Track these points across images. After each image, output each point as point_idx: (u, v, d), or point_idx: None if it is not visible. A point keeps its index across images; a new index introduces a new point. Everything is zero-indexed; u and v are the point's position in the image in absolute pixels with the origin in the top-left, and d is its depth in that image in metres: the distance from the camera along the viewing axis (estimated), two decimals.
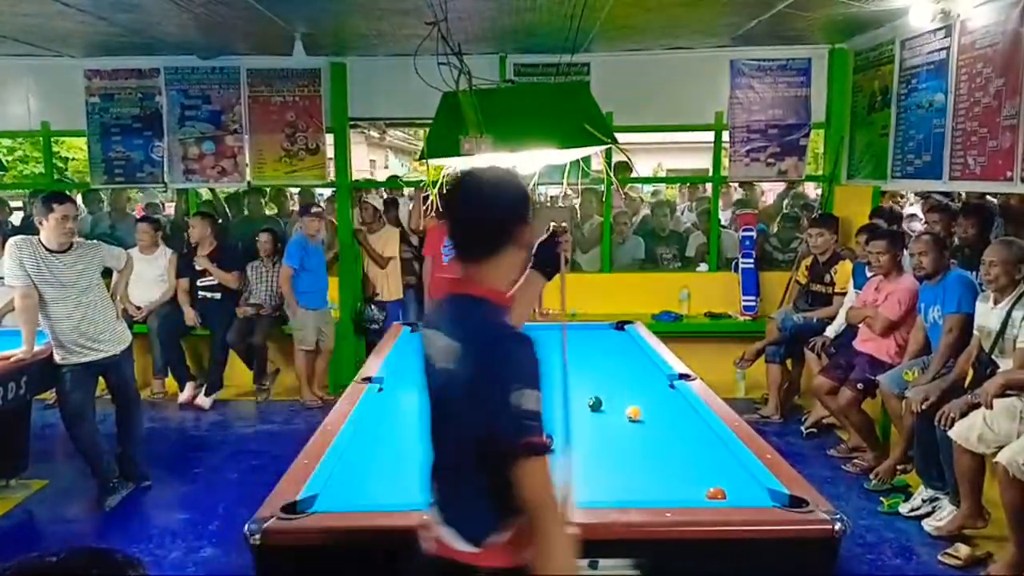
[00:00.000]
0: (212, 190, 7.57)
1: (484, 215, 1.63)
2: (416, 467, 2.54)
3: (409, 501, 2.17)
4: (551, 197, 9.46)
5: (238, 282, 6.22)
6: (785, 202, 7.49)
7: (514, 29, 5.23)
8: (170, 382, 6.20)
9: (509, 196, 1.65)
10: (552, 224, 2.09)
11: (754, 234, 6.38)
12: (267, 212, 7.60)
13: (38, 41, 5.56)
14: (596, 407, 3.00)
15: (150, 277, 6.06)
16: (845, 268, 5.26)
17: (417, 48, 3.54)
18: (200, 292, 6.19)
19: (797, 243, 6.39)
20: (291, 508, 2.09)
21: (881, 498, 4.12)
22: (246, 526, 2.00)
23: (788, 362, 5.62)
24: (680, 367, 3.59)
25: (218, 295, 6.18)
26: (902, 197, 7.94)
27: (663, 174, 13.37)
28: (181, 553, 3.64)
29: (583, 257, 6.72)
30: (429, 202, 5.31)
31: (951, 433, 3.54)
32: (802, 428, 5.26)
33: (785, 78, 6.14)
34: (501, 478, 1.49)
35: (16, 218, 7.75)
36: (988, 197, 5.62)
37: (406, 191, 6.92)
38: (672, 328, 5.92)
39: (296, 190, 8.08)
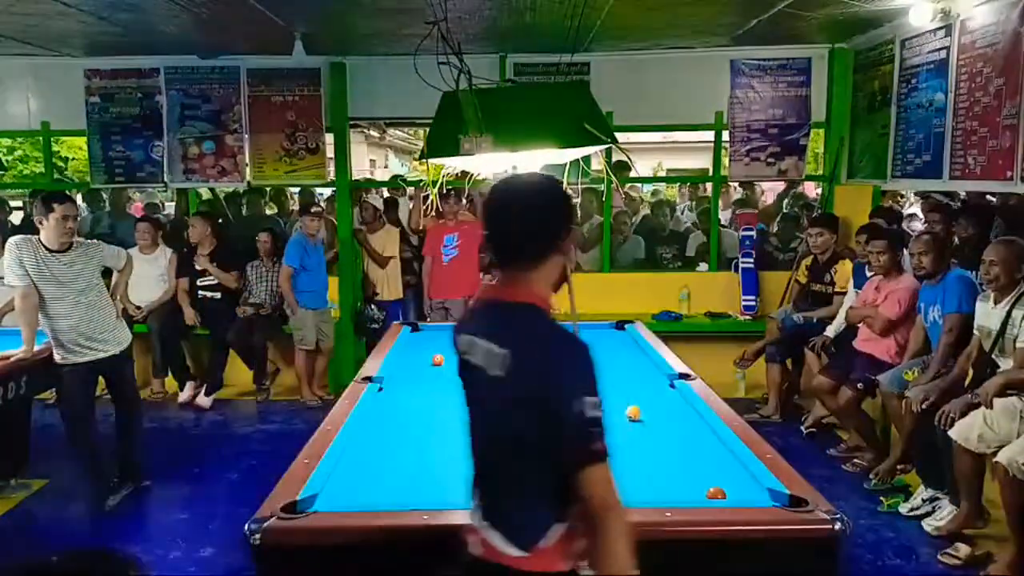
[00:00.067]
0: (212, 190, 7.58)
1: (531, 222, 1.62)
2: (416, 467, 2.56)
3: (409, 501, 2.18)
4: None
5: (238, 282, 6.22)
6: (785, 202, 7.49)
7: (514, 29, 5.23)
8: (170, 382, 6.20)
9: (555, 203, 1.65)
10: None
11: (754, 234, 6.38)
12: (267, 212, 7.60)
13: (38, 41, 5.56)
14: None
15: (150, 277, 6.06)
16: (845, 268, 5.25)
17: (417, 48, 3.54)
18: (200, 292, 6.19)
19: (797, 243, 6.39)
20: (291, 508, 2.09)
21: (881, 498, 4.12)
22: (246, 526, 2.00)
23: (788, 362, 5.62)
24: (680, 367, 3.59)
25: (218, 295, 6.18)
26: (902, 197, 7.95)
27: (663, 174, 13.36)
28: (181, 553, 3.64)
29: (583, 257, 6.72)
30: (429, 202, 5.32)
31: (951, 433, 3.53)
32: (802, 428, 5.26)
33: (785, 78, 6.14)
34: (553, 483, 1.52)
35: (16, 218, 7.76)
36: (988, 197, 5.63)
37: (408, 191, 6.92)
38: (672, 328, 5.92)
39: (296, 190, 8.09)
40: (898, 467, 4.32)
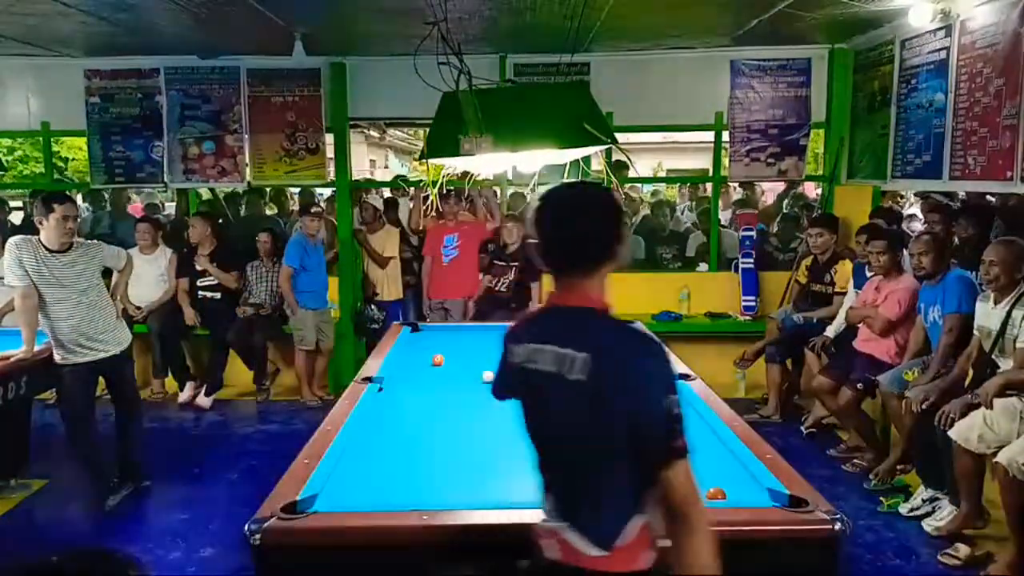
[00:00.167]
0: (212, 190, 7.57)
1: (594, 229, 1.65)
2: (416, 467, 2.56)
3: (409, 501, 2.18)
4: None
5: (237, 282, 6.22)
6: (785, 202, 7.49)
7: (514, 29, 5.23)
8: (170, 382, 6.20)
9: (614, 210, 1.69)
10: None
11: (754, 234, 6.38)
12: (267, 212, 7.60)
13: (38, 41, 5.56)
14: None
15: (150, 277, 6.06)
16: (845, 268, 5.26)
17: (417, 48, 3.54)
18: (200, 292, 6.19)
19: (797, 243, 6.39)
20: (291, 508, 2.09)
21: (881, 498, 4.12)
22: (246, 526, 2.00)
23: (788, 362, 5.62)
24: (680, 367, 3.59)
25: (218, 295, 6.18)
26: (902, 197, 7.95)
27: (663, 174, 13.37)
28: (181, 553, 3.65)
29: None
30: (429, 202, 5.32)
31: (951, 433, 3.53)
32: (802, 428, 5.26)
33: (785, 78, 6.14)
34: (631, 481, 1.56)
35: (16, 218, 7.76)
36: (988, 197, 5.62)
37: (410, 191, 6.92)
38: (672, 328, 5.92)
39: (296, 190, 8.09)
40: (898, 467, 4.33)
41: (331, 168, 6.61)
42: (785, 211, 7.19)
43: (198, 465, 4.83)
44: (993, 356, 3.70)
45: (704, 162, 12.11)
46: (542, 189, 1.78)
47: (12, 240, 3.99)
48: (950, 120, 4.54)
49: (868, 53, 5.68)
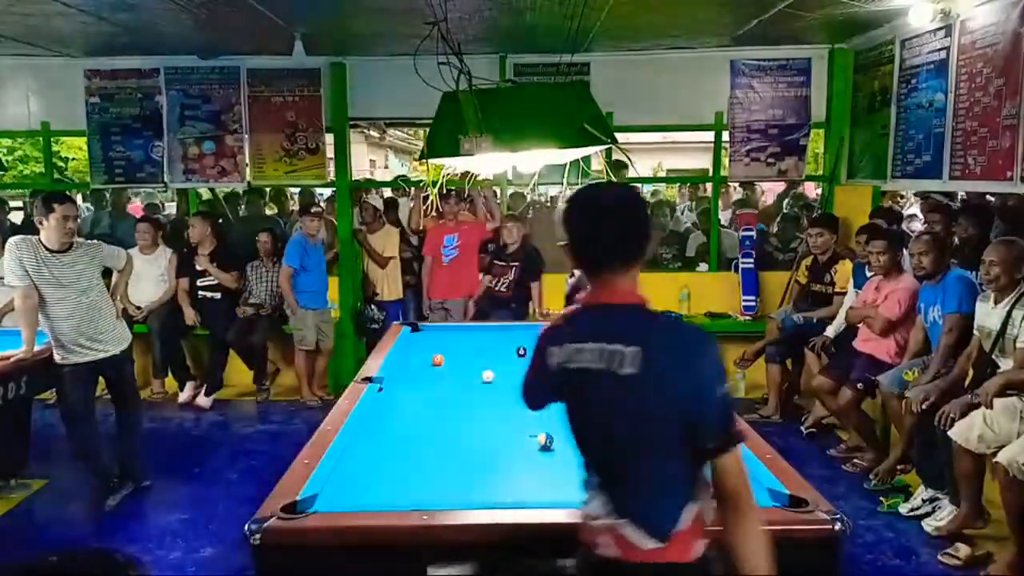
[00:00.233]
0: (212, 190, 7.57)
1: (632, 227, 1.70)
2: (416, 467, 2.56)
3: (409, 501, 2.18)
4: (551, 197, 9.48)
5: (237, 282, 6.22)
6: (785, 202, 7.50)
7: (514, 29, 5.23)
8: (170, 382, 6.21)
9: (645, 209, 1.76)
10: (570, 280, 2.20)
11: (754, 234, 6.38)
12: (267, 212, 7.60)
13: (38, 41, 5.56)
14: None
15: (150, 277, 6.06)
16: (845, 268, 5.26)
17: (417, 48, 3.54)
18: (200, 292, 6.19)
19: (797, 243, 6.39)
20: (291, 508, 2.09)
21: (881, 498, 4.12)
22: (246, 526, 2.00)
23: (788, 362, 5.62)
24: None
25: (218, 295, 6.18)
26: (902, 197, 7.95)
27: (663, 174, 13.37)
28: (181, 553, 3.65)
29: None
30: (429, 202, 5.32)
31: (951, 433, 3.54)
32: (802, 428, 5.26)
33: (785, 78, 6.14)
34: (684, 471, 1.61)
35: (16, 218, 7.76)
36: (988, 197, 5.63)
37: (411, 191, 6.92)
38: None
39: (296, 190, 8.09)
40: (898, 467, 4.33)
41: (331, 168, 6.62)
42: (785, 211, 7.20)
43: (198, 465, 4.83)
44: (993, 356, 3.70)
45: (704, 162, 12.11)
46: (567, 191, 1.82)
47: (12, 240, 3.99)
48: (950, 120, 4.54)
49: (868, 53, 5.68)
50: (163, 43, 5.66)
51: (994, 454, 3.36)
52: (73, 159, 11.47)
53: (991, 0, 4.11)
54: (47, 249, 3.94)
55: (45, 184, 6.75)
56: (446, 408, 3.20)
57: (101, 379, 4.25)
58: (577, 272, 2.27)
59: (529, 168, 3.58)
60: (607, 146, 3.32)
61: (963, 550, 3.49)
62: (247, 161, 6.32)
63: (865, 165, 5.80)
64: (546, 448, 2.64)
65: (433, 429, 2.92)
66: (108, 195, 7.28)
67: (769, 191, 8.76)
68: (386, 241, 6.34)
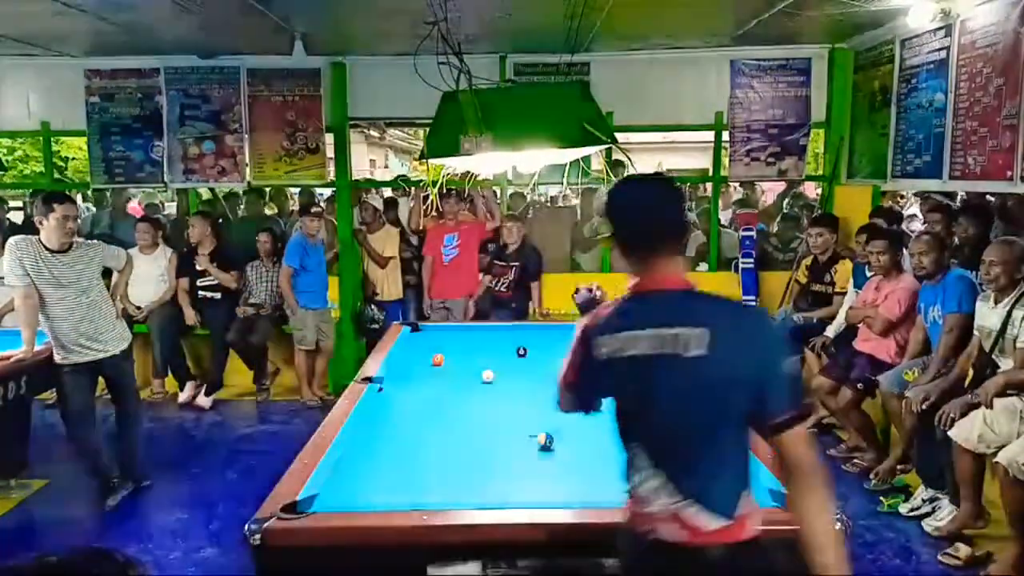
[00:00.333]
0: (212, 190, 7.57)
1: (677, 213, 1.79)
2: (416, 467, 2.55)
3: (409, 501, 2.18)
4: (551, 197, 9.48)
5: (237, 282, 6.21)
6: (785, 202, 7.49)
7: (514, 29, 5.23)
8: (170, 382, 6.20)
9: (684, 197, 1.85)
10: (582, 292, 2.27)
11: (754, 234, 6.38)
12: (267, 212, 7.60)
13: (38, 41, 5.56)
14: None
15: (150, 277, 6.05)
16: (845, 268, 5.25)
17: (417, 48, 3.54)
18: (200, 292, 6.19)
19: (797, 243, 6.39)
20: (291, 508, 2.09)
21: (881, 498, 4.12)
22: (246, 526, 2.00)
23: None
24: None
25: (218, 295, 6.18)
26: (903, 197, 7.95)
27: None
28: (181, 553, 3.64)
29: (583, 257, 6.72)
30: (429, 202, 5.32)
31: (951, 433, 3.53)
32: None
33: (785, 78, 6.14)
34: (745, 450, 1.68)
35: (16, 217, 7.76)
36: (988, 197, 5.62)
37: (411, 191, 6.93)
38: None
39: (296, 190, 8.09)
40: (898, 467, 4.32)
41: (331, 168, 6.61)
42: (785, 211, 7.19)
43: (198, 465, 4.83)
44: (993, 356, 3.69)
45: (704, 162, 12.11)
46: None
47: (12, 240, 3.99)
48: (950, 120, 4.54)
49: (868, 53, 5.68)
50: (163, 43, 5.66)
51: (994, 454, 3.36)
52: (73, 159, 11.47)
53: (991, 0, 4.10)
54: (47, 249, 3.93)
55: (45, 184, 6.75)
56: (446, 408, 3.20)
57: (101, 379, 4.25)
58: (583, 286, 2.27)
59: (529, 168, 3.59)
60: (607, 146, 3.33)
61: (963, 550, 3.49)
62: (247, 161, 6.32)
63: (865, 165, 5.80)
64: (546, 448, 2.64)
65: (433, 429, 2.92)
66: (109, 195, 7.28)
67: (769, 191, 8.75)
68: (386, 241, 6.34)
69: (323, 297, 6.13)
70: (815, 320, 5.33)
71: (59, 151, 10.78)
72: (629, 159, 5.13)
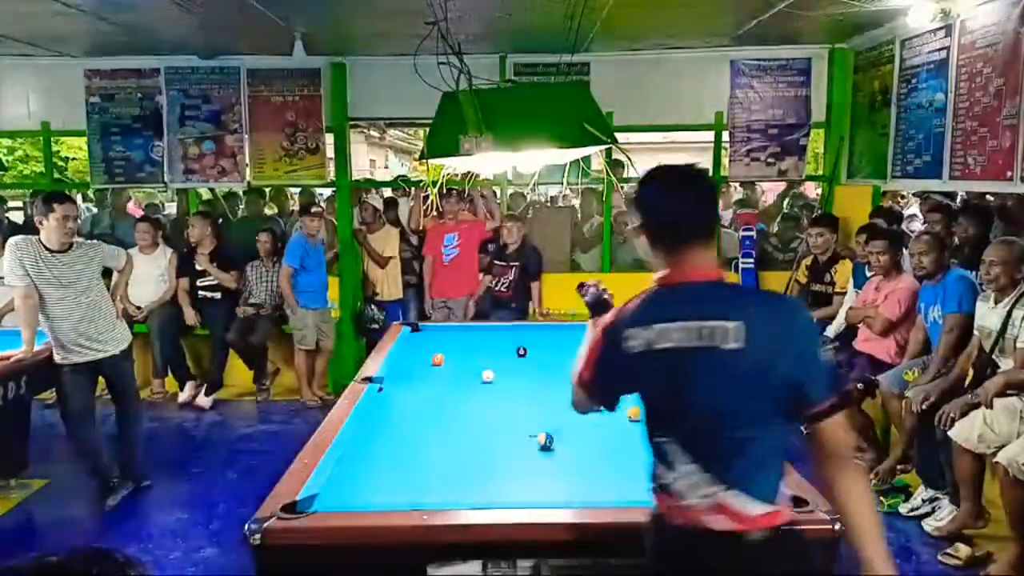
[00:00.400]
0: (212, 190, 7.57)
1: (711, 204, 1.80)
2: (416, 467, 2.55)
3: (409, 501, 2.18)
4: (551, 197, 9.48)
5: (236, 282, 6.21)
6: (785, 202, 7.49)
7: (514, 29, 5.23)
8: (170, 382, 6.20)
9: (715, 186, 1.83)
10: (591, 290, 2.27)
11: (754, 234, 6.38)
12: (267, 212, 7.60)
13: (38, 41, 5.56)
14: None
15: (150, 277, 6.05)
16: (845, 268, 5.25)
17: (417, 48, 3.54)
18: (200, 292, 6.19)
19: (797, 243, 6.39)
20: (291, 508, 2.09)
21: (881, 498, 4.11)
22: (246, 526, 2.00)
23: None
24: None
25: (218, 295, 6.18)
26: (903, 197, 7.95)
27: None
28: (181, 553, 3.64)
29: (583, 257, 6.72)
30: (429, 202, 5.32)
31: (951, 433, 3.53)
32: (802, 428, 5.25)
33: (785, 78, 6.14)
34: (783, 438, 1.72)
35: (16, 217, 7.75)
36: (988, 197, 5.63)
37: (411, 191, 6.93)
38: None
39: (296, 190, 8.09)
40: (898, 467, 4.32)
41: (331, 168, 6.61)
42: (785, 211, 7.19)
43: (198, 465, 4.83)
44: (993, 356, 3.69)
45: (704, 162, 12.09)
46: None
47: (12, 240, 3.99)
48: (950, 120, 4.54)
49: (868, 53, 5.68)
50: (163, 43, 5.66)
51: (994, 454, 3.36)
52: (73, 159, 11.46)
53: (991, 0, 4.10)
54: (47, 249, 3.93)
55: (45, 184, 6.75)
56: (446, 408, 3.19)
57: (101, 379, 4.25)
58: (590, 282, 2.26)
59: (529, 168, 3.59)
60: (607, 146, 3.32)
61: (963, 550, 3.48)
62: (247, 161, 6.32)
63: (865, 165, 5.80)
64: (546, 448, 2.63)
65: (433, 429, 2.91)
66: (108, 195, 7.27)
67: (769, 191, 8.75)
68: (386, 241, 6.34)
69: (323, 297, 6.13)
70: (815, 320, 5.32)
71: (59, 151, 10.78)
72: (629, 159, 5.13)
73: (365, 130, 13.56)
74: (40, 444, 4.68)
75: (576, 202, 7.96)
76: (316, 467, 2.40)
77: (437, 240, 6.11)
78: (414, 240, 6.48)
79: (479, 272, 6.15)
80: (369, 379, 3.46)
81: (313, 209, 6.34)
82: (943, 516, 3.73)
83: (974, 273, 4.10)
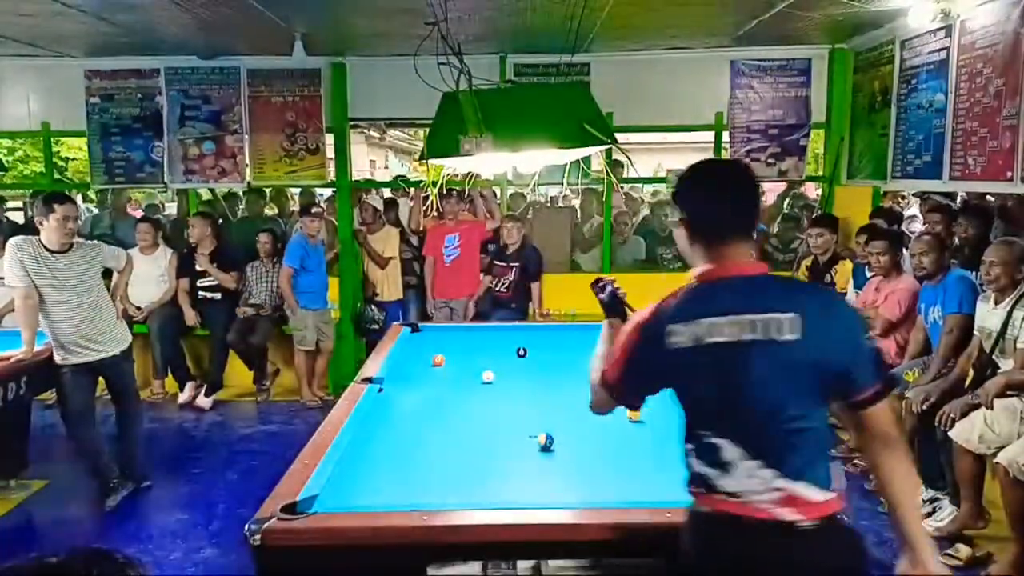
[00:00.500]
0: (212, 190, 7.57)
1: (755, 198, 1.82)
2: (416, 468, 2.55)
3: (409, 501, 2.18)
4: (551, 197, 9.48)
5: (236, 282, 6.21)
6: (785, 202, 7.49)
7: (514, 29, 5.23)
8: (170, 382, 6.20)
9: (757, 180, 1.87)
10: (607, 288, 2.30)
11: (754, 234, 6.37)
12: (267, 212, 7.60)
13: (38, 41, 5.56)
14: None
15: (150, 277, 6.05)
16: (845, 268, 5.25)
17: (417, 48, 3.54)
18: (200, 292, 6.19)
19: (797, 243, 6.39)
20: (291, 508, 2.09)
21: (882, 498, 4.11)
22: (246, 526, 2.00)
23: None
24: None
25: (218, 295, 6.18)
26: (903, 198, 7.95)
27: (663, 174, 13.34)
28: (181, 553, 3.64)
29: (583, 257, 6.72)
30: (429, 202, 5.32)
31: (951, 433, 3.53)
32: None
33: (785, 78, 6.14)
34: (827, 422, 1.74)
35: (16, 217, 7.75)
36: (988, 197, 5.63)
37: (410, 191, 6.93)
38: None
39: (296, 190, 8.09)
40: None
41: (331, 168, 6.61)
42: (785, 211, 7.19)
43: (198, 465, 4.82)
44: (994, 357, 3.69)
45: None
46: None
47: (12, 240, 3.99)
48: (950, 120, 4.54)
49: (868, 53, 5.68)
50: (163, 43, 5.65)
51: (994, 455, 3.36)
52: (73, 159, 11.46)
53: (991, 0, 4.10)
54: (47, 249, 3.93)
55: (45, 184, 6.75)
56: (446, 408, 3.19)
57: (101, 379, 4.25)
58: (605, 279, 2.25)
59: (529, 168, 3.59)
60: (607, 146, 3.32)
61: (963, 551, 3.48)
62: (247, 161, 6.32)
63: (865, 165, 5.80)
64: (546, 448, 2.63)
65: (433, 429, 2.91)
66: (109, 196, 7.28)
67: (769, 191, 8.72)
68: (386, 241, 6.33)
69: (323, 298, 6.13)
70: None
71: (59, 151, 10.77)
72: (629, 159, 5.14)
73: (365, 130, 13.56)
74: (40, 445, 4.68)
75: (576, 202, 7.96)
76: (316, 468, 2.40)
77: (438, 241, 6.10)
78: (414, 240, 6.48)
79: (480, 272, 6.14)
80: (369, 380, 3.45)
81: (313, 210, 6.35)
82: (943, 516, 3.73)
83: (974, 274, 4.09)
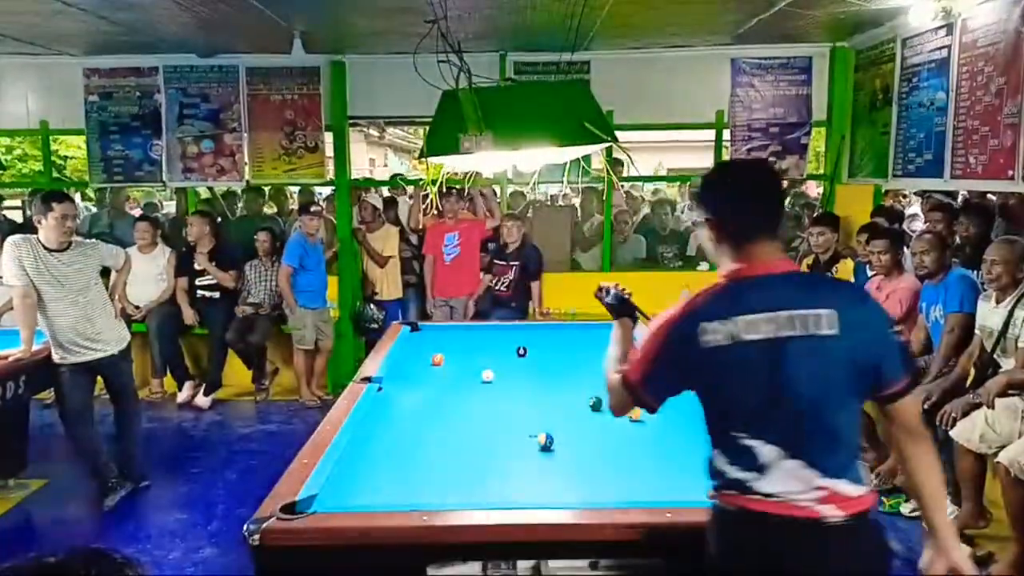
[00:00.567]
0: (211, 188, 7.56)
1: (779, 195, 1.87)
2: (415, 467, 2.54)
3: (409, 501, 2.17)
4: (551, 196, 9.47)
5: (235, 281, 6.20)
6: (786, 201, 7.48)
7: (514, 27, 5.22)
8: (169, 381, 6.19)
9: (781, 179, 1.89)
10: (611, 291, 2.29)
11: None
12: (266, 211, 7.59)
13: (37, 40, 5.55)
14: (596, 407, 3.00)
15: (149, 276, 6.04)
16: (846, 267, 5.24)
17: (417, 46, 3.53)
18: (199, 291, 6.18)
19: (798, 242, 6.37)
20: (290, 508, 2.08)
21: (883, 498, 4.10)
22: (245, 526, 1.99)
23: None
24: None
25: (217, 294, 6.17)
26: (904, 196, 7.95)
27: (664, 173, 13.36)
28: (180, 553, 3.64)
29: (584, 256, 6.72)
30: (428, 201, 5.31)
31: (952, 433, 3.53)
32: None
33: (786, 76, 6.14)
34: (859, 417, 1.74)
35: (15, 216, 7.74)
36: (989, 196, 5.62)
37: (409, 190, 6.91)
38: None
39: (295, 189, 8.08)
40: (899, 467, 4.31)
41: (330, 167, 6.60)
42: (786, 210, 7.18)
43: (197, 465, 4.81)
44: (995, 356, 3.69)
45: (705, 161, 12.09)
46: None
47: (11, 239, 3.98)
48: (951, 119, 4.53)
49: (869, 52, 5.67)
50: (162, 42, 5.64)
51: (995, 454, 3.35)
52: (72, 158, 11.45)
53: None
54: (46, 248, 3.92)
55: (44, 183, 6.74)
56: (446, 408, 3.19)
57: (100, 379, 4.24)
58: (607, 285, 2.23)
59: (529, 167, 3.58)
60: (607, 145, 3.32)
61: (964, 550, 3.47)
62: (246, 160, 6.31)
63: (866, 164, 5.79)
64: (546, 448, 2.63)
65: (433, 429, 2.91)
66: (108, 194, 7.26)
67: None
68: (385, 240, 6.33)
69: (322, 297, 6.12)
70: None
71: (58, 150, 10.76)
72: (630, 158, 5.12)
73: (364, 129, 13.54)
74: (39, 444, 4.67)
75: (576, 201, 7.95)
76: (315, 467, 2.39)
77: (438, 239, 6.10)
78: (414, 239, 6.47)
79: (480, 271, 6.14)
80: (368, 379, 3.45)
81: (312, 208, 6.33)
82: None
83: (976, 272, 4.09)
